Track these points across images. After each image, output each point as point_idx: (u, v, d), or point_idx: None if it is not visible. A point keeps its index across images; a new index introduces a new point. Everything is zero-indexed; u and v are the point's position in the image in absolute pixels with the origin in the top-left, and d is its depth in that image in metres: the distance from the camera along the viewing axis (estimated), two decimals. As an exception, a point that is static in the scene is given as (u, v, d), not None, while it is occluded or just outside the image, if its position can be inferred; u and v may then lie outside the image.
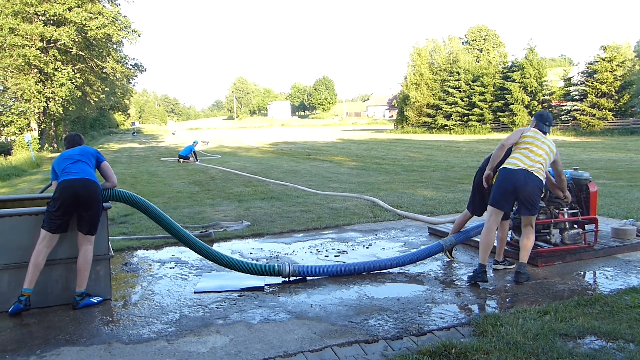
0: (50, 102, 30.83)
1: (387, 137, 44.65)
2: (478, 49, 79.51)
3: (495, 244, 5.44)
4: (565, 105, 42.52)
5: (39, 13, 29.30)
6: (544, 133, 5.15)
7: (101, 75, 35.85)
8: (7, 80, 30.90)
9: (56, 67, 30.21)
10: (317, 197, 10.64)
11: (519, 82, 46.64)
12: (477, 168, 5.76)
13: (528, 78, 46.16)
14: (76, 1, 29.44)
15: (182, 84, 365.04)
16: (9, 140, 33.74)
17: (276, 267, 5.05)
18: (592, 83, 40.22)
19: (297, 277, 5.12)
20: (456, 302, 4.48)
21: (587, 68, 41.41)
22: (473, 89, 50.38)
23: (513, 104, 46.38)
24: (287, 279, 5.12)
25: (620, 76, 39.69)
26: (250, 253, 6.27)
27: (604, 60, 39.81)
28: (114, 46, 35.25)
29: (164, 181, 14.48)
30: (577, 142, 31.51)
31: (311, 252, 6.28)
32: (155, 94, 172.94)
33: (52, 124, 36.91)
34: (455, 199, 9.88)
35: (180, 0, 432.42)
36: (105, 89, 39.86)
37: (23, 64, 28.87)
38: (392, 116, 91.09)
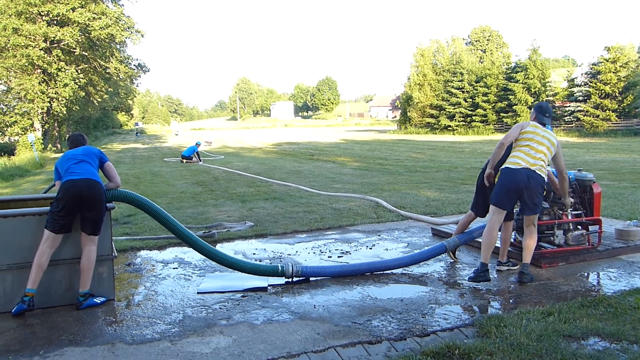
0: (53, 102, 30.92)
1: (390, 138, 44.63)
2: (481, 50, 79.35)
3: (498, 245, 5.43)
4: (569, 106, 42.43)
5: (42, 13, 29.37)
6: (544, 125, 5.09)
7: (104, 75, 35.91)
8: (10, 81, 31.02)
9: (60, 67, 30.27)
10: (320, 197, 10.64)
11: (522, 83, 46.59)
12: (480, 169, 5.75)
13: (531, 79, 46.11)
14: (80, 1, 29.51)
15: (185, 84, 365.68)
16: (12, 140, 33.85)
17: (279, 267, 5.05)
18: (595, 84, 40.12)
19: (300, 278, 5.12)
20: (459, 303, 4.47)
21: (591, 69, 41.30)
22: (476, 89, 50.32)
23: (516, 104, 46.33)
24: (290, 280, 5.12)
25: (624, 77, 39.61)
26: (254, 253, 6.28)
27: (607, 61, 39.71)
28: (118, 46, 35.29)
29: (167, 181, 14.50)
30: (580, 143, 31.44)
31: (314, 253, 6.28)
32: (159, 95, 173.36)
33: (56, 124, 37.03)
34: (459, 200, 9.87)
35: (184, 0, 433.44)
36: (109, 89, 39.96)
37: (26, 64, 28.94)
38: (395, 117, 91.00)
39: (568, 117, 41.95)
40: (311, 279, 5.17)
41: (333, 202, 9.91)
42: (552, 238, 5.72)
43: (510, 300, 4.55)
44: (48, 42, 29.98)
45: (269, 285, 4.99)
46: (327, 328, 3.92)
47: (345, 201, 10.07)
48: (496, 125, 48.78)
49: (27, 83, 29.34)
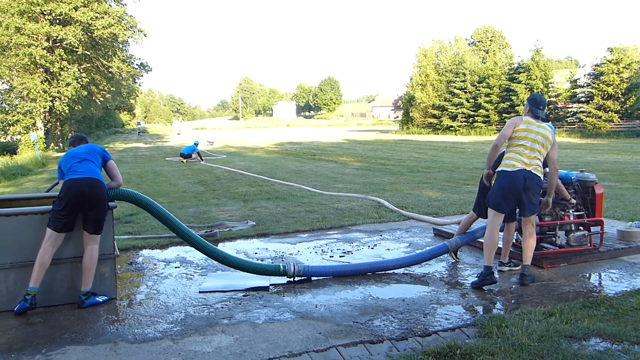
0: (56, 101, 30.98)
1: (393, 138, 44.60)
2: (484, 50, 79.23)
3: (500, 245, 5.42)
4: (572, 107, 42.34)
5: (44, 12, 29.44)
6: (538, 118, 4.95)
7: (107, 74, 35.99)
8: (13, 80, 31.06)
9: (62, 66, 30.35)
10: (322, 197, 10.64)
11: (525, 84, 46.50)
12: (483, 170, 5.74)
13: (534, 79, 46.01)
14: (82, 1, 29.56)
15: (187, 83, 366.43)
16: (14, 139, 33.91)
17: (281, 267, 5.05)
18: (598, 85, 40.02)
19: (302, 277, 5.13)
20: (461, 303, 4.47)
21: (594, 70, 41.21)
22: (479, 90, 50.23)
23: (519, 105, 46.18)
24: (292, 279, 5.13)
25: (626, 78, 39.51)
26: (255, 253, 6.28)
27: (610, 62, 39.62)
28: (120, 46, 35.38)
29: (170, 181, 14.52)
30: (583, 144, 31.40)
31: (316, 253, 6.29)
32: (161, 94, 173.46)
33: (58, 123, 37.08)
34: (461, 200, 9.86)
35: (187, 0, 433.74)
36: (111, 88, 39.98)
37: (29, 63, 29.00)
38: (397, 117, 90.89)
39: (570, 118, 41.87)
40: (313, 278, 5.17)
41: (335, 202, 9.92)
42: (554, 239, 5.71)
43: (512, 301, 4.55)
44: (50, 41, 30.05)
45: (270, 285, 5.00)
46: (328, 327, 3.93)
47: (347, 201, 10.07)
48: (498, 126, 48.61)
49: (30, 82, 29.41)
